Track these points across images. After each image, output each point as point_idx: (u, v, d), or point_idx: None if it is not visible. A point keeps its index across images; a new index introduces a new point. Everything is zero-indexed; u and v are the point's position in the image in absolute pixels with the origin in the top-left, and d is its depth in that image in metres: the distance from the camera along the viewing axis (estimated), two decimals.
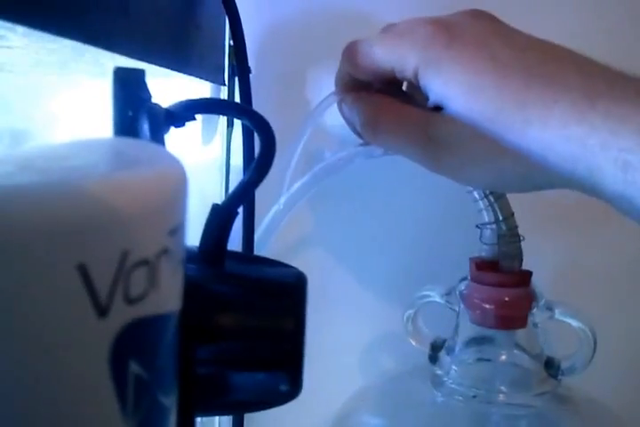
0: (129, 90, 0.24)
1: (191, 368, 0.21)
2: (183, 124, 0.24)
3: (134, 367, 0.15)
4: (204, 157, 0.43)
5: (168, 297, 0.16)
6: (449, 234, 0.46)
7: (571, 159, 0.24)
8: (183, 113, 0.24)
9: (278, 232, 0.37)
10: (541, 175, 0.26)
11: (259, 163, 0.23)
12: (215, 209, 0.24)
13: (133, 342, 0.14)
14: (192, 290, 0.18)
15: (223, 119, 0.43)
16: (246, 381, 0.23)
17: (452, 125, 0.27)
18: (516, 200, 0.36)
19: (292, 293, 0.23)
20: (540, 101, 0.25)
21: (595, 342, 0.35)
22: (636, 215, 0.24)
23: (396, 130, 0.30)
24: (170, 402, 0.17)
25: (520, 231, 0.36)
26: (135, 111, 0.24)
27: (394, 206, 0.47)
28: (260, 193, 0.34)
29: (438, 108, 0.28)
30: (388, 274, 0.48)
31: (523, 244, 0.36)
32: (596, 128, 0.24)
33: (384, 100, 0.31)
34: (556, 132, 0.25)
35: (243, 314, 0.22)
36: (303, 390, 0.46)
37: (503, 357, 0.37)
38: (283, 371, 0.23)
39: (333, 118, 0.34)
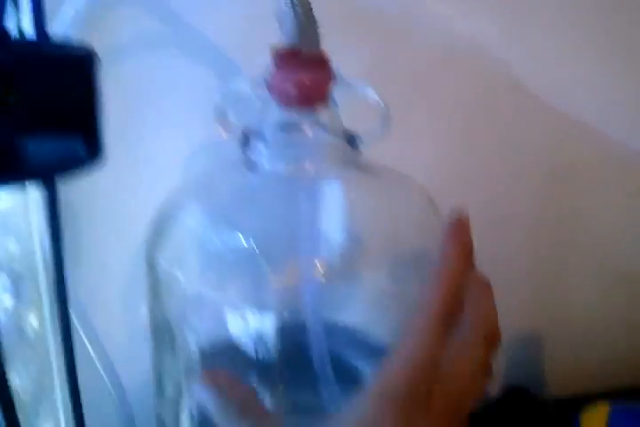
0: None
1: None
2: None
3: None
4: None
5: None
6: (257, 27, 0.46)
7: None
8: None
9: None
10: None
11: None
12: None
13: None
14: None
15: None
16: (43, 147, 0.23)
17: None
18: None
19: (81, 61, 0.23)
20: None
21: (389, 112, 0.38)
22: None
23: None
24: None
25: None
26: None
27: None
28: None
29: None
30: (199, 78, 0.48)
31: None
32: None
33: None
34: None
35: (30, 81, 0.22)
36: (123, 199, 0.47)
37: (309, 137, 0.39)
38: (77, 133, 0.23)
39: None
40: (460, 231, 0.35)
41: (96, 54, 0.24)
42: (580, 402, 0.61)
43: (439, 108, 0.54)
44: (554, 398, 0.68)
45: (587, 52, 0.57)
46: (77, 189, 0.47)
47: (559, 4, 0.54)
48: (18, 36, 0.23)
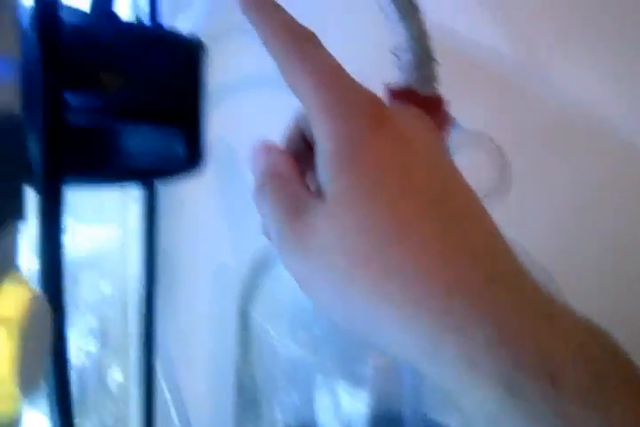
0: None
1: (58, 114, 0.19)
2: None
3: None
4: None
5: None
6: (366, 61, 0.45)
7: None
8: None
9: None
10: None
11: None
12: None
13: None
14: (80, 35, 0.17)
15: None
16: (139, 142, 0.22)
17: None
18: None
19: (191, 49, 0.22)
20: None
21: (509, 164, 0.36)
22: None
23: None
24: None
25: None
26: None
27: None
28: None
29: None
30: None
31: None
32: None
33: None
34: None
35: (136, 64, 0.21)
36: (222, 246, 0.45)
37: None
38: (178, 129, 0.22)
39: None
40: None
41: (204, 45, 0.23)
42: None
43: (550, 181, 0.50)
44: None
45: None
46: (176, 234, 0.46)
47: None
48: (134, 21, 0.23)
